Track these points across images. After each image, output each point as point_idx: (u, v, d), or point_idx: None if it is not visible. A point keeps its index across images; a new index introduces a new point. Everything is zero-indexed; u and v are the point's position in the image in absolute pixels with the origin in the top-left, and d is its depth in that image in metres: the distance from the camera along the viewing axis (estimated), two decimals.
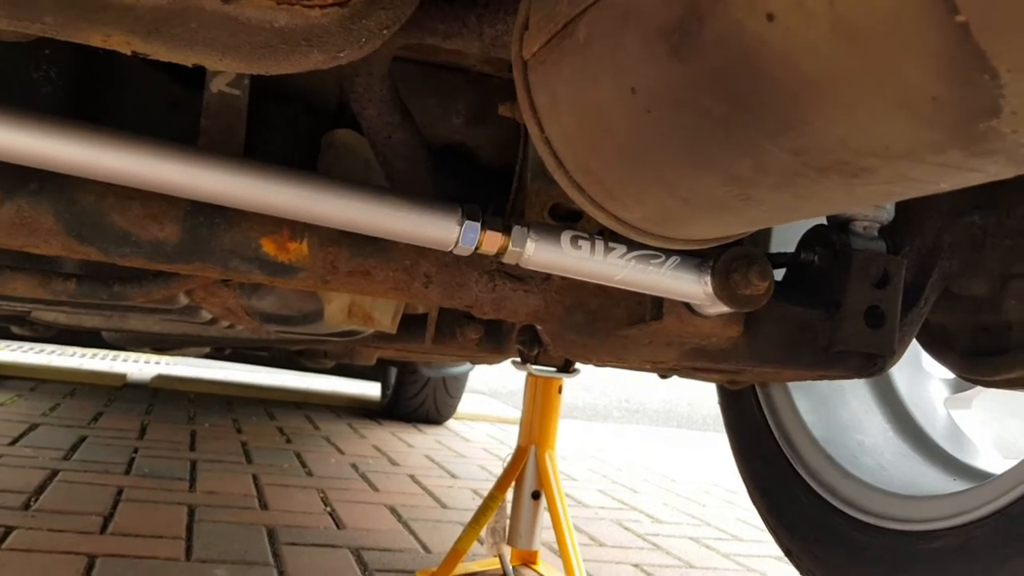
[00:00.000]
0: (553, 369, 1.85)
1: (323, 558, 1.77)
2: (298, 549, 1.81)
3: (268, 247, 0.86)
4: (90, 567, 1.52)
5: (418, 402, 4.03)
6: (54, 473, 2.18)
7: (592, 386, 7.51)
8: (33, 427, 2.79)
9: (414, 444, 3.47)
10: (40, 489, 2.01)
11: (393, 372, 4.15)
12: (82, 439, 2.69)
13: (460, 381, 4.07)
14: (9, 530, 1.67)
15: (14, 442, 2.52)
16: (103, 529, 1.76)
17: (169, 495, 2.11)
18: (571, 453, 3.57)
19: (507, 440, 3.89)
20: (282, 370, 4.71)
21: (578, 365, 1.86)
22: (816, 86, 0.40)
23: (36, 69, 0.94)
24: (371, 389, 4.72)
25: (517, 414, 4.65)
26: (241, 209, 0.83)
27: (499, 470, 3.04)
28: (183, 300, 1.07)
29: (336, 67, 0.98)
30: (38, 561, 1.52)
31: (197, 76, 0.91)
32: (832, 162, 0.44)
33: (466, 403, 4.39)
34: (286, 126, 1.07)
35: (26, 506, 1.86)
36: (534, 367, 1.83)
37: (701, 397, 8.34)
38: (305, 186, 0.72)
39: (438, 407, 4.08)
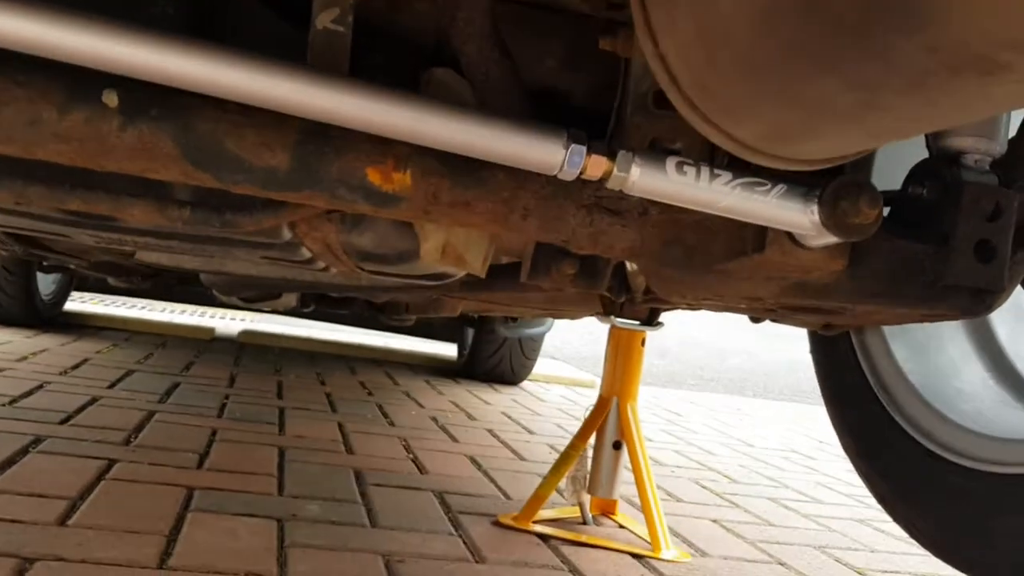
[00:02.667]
0: (636, 322, 1.85)
1: (408, 499, 1.82)
2: (384, 490, 1.86)
3: (373, 176, 0.88)
4: (189, 498, 1.59)
5: (494, 362, 4.08)
6: (151, 414, 2.29)
7: (666, 352, 7.47)
8: (129, 373, 2.92)
9: (491, 402, 3.52)
10: (139, 428, 2.11)
11: (470, 333, 4.20)
12: (176, 385, 2.80)
13: (536, 342, 4.10)
14: (112, 463, 1.76)
15: (112, 385, 2.64)
16: (199, 465, 1.84)
17: (260, 437, 2.20)
18: (646, 415, 3.57)
19: (581, 401, 3.91)
20: (362, 329, 4.81)
21: (662, 318, 1.86)
22: None
23: (153, 4, 0.97)
24: (447, 349, 4.79)
25: (591, 377, 4.68)
26: (349, 137, 0.85)
27: (574, 428, 3.07)
28: (286, 235, 1.10)
29: (437, 3, 0.99)
30: (140, 491, 1.60)
31: (305, 15, 0.94)
32: (968, 58, 0.44)
33: (540, 365, 4.42)
34: (386, 63, 1.08)
35: (127, 442, 1.95)
36: (618, 320, 1.83)
37: (777, 368, 8.22)
38: (416, 107, 0.74)
39: (514, 368, 4.12)
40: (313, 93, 0.72)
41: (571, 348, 7.34)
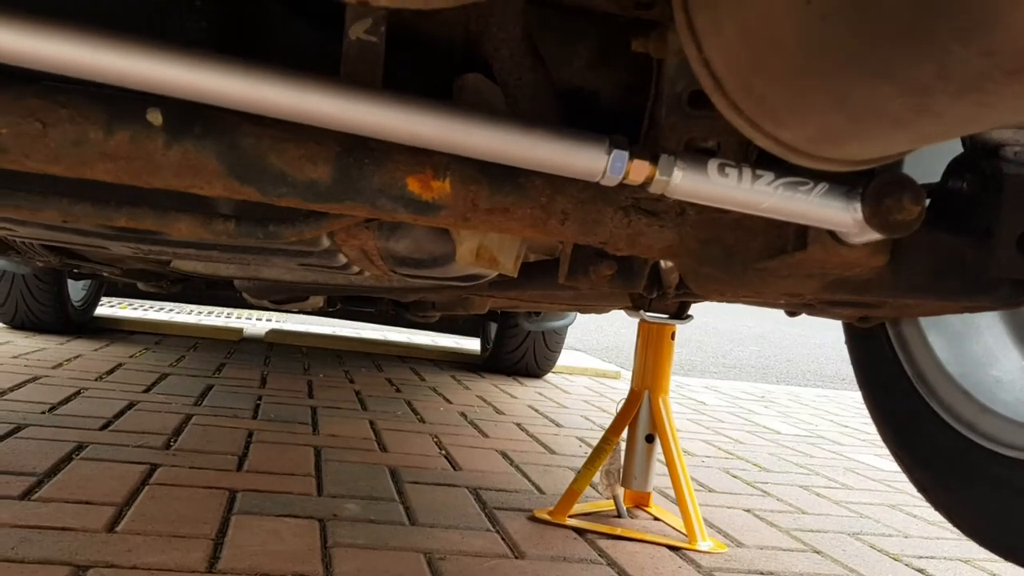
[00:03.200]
0: (666, 316, 1.86)
1: (444, 496, 1.83)
2: (420, 487, 1.88)
3: (413, 186, 0.89)
4: (232, 500, 1.62)
5: (518, 356, 4.09)
6: (188, 417, 2.32)
7: (688, 341, 7.46)
8: (163, 376, 2.95)
9: (517, 395, 3.53)
10: (177, 431, 2.14)
11: (493, 327, 4.22)
12: (209, 387, 2.83)
13: (559, 335, 4.11)
14: (155, 467, 1.78)
15: (148, 389, 2.67)
16: (239, 467, 1.87)
17: (295, 437, 2.22)
18: (673, 405, 3.57)
19: (606, 393, 3.92)
20: (386, 326, 4.84)
21: (691, 311, 1.86)
22: None
23: (188, 19, 0.98)
24: (471, 344, 4.81)
25: (616, 369, 4.68)
26: (389, 148, 0.86)
27: (602, 421, 3.08)
28: (325, 243, 1.12)
29: (466, 10, 1.00)
30: (184, 494, 1.62)
31: (337, 25, 0.95)
32: None
33: (564, 357, 4.43)
34: (419, 72, 1.09)
35: (167, 446, 1.98)
36: (647, 314, 1.84)
37: (798, 353, 8.19)
38: (458, 116, 0.74)
39: (538, 361, 4.13)
40: (354, 108, 0.73)
41: (593, 339, 7.35)
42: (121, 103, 0.82)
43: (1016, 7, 0.41)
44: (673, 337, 1.91)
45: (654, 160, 0.75)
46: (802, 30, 0.52)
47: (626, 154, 0.75)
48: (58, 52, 0.70)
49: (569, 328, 4.12)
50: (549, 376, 4.29)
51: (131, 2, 0.97)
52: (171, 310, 5.18)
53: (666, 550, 1.67)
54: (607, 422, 2.97)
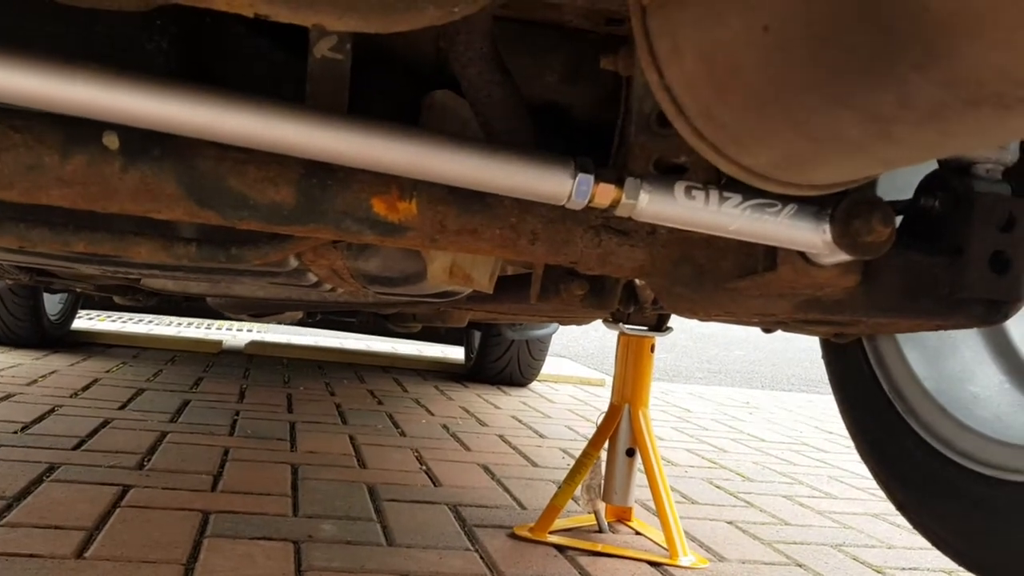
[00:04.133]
0: (645, 328, 1.85)
1: (423, 514, 1.81)
2: (399, 505, 1.86)
3: (379, 207, 0.87)
4: (205, 523, 1.59)
5: (502, 365, 4.07)
6: (163, 435, 2.29)
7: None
8: (140, 392, 2.92)
9: (500, 405, 3.51)
10: (152, 450, 2.11)
11: (477, 336, 4.20)
12: (186, 403, 2.80)
13: (543, 343, 4.10)
14: (127, 488, 1.75)
15: (123, 406, 2.64)
16: (213, 487, 1.84)
17: (272, 455, 2.19)
18: (656, 413, 3.56)
19: (590, 401, 3.91)
20: (368, 335, 4.81)
21: (671, 323, 1.85)
22: (973, 13, 0.39)
23: (149, 40, 0.96)
24: (454, 353, 4.78)
25: (599, 376, 4.67)
26: (353, 168, 0.84)
27: (586, 430, 3.07)
28: (292, 263, 1.10)
29: (435, 27, 0.98)
30: (156, 517, 1.60)
31: (299, 43, 0.93)
32: (987, 94, 0.43)
33: (548, 365, 4.42)
34: (386, 89, 1.08)
35: (140, 465, 1.95)
36: (626, 326, 1.83)
37: (784, 359, 8.21)
38: (420, 142, 0.73)
39: (522, 369, 4.12)
40: (315, 135, 0.71)
41: (579, 345, 7.34)
42: (77, 127, 0.80)
43: (974, 39, 0.40)
44: (653, 349, 1.90)
45: (620, 183, 0.74)
46: (761, 58, 0.50)
47: (591, 178, 0.74)
48: (11, 81, 0.68)
49: (553, 335, 4.11)
50: (533, 384, 4.27)
51: (92, 22, 0.95)
52: (150, 322, 5.13)
53: (647, 566, 1.65)
54: (591, 432, 2.95)
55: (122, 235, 0.93)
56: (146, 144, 0.82)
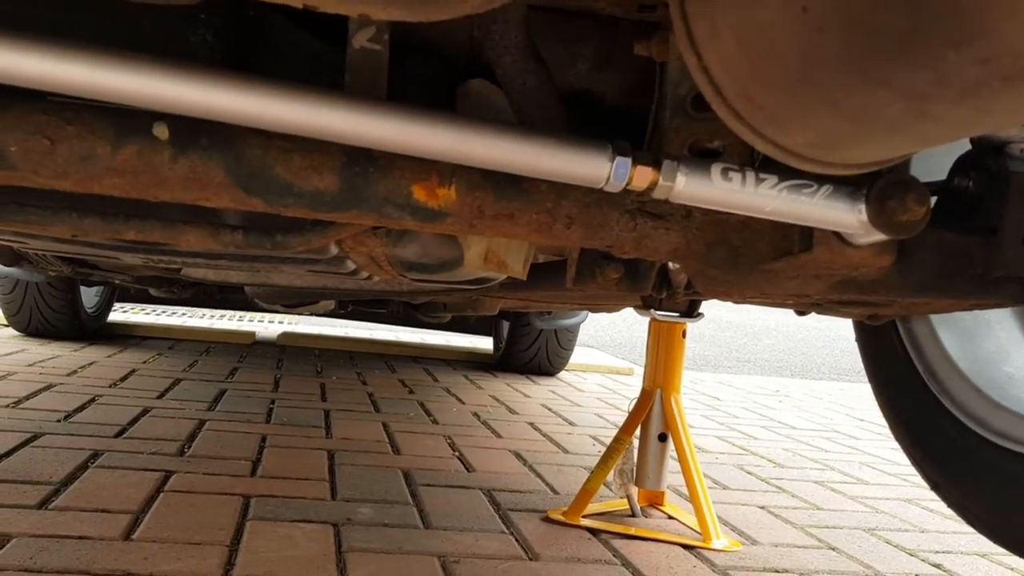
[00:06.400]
0: (677, 314, 1.86)
1: (458, 498, 1.84)
2: (433, 490, 1.88)
3: (419, 193, 0.89)
4: (246, 507, 1.63)
5: (531, 354, 4.10)
6: (202, 423, 2.33)
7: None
8: (177, 382, 2.97)
9: (530, 394, 3.54)
10: (191, 437, 2.15)
11: (505, 326, 4.22)
12: (223, 392, 2.85)
13: (572, 333, 4.11)
14: (169, 474, 1.80)
15: (161, 395, 2.69)
16: (253, 472, 1.88)
17: (308, 441, 2.23)
18: (686, 401, 3.57)
19: (619, 390, 3.92)
20: (398, 326, 4.85)
21: (702, 309, 1.86)
22: None
23: (194, 33, 0.99)
24: (483, 343, 4.81)
25: (628, 365, 4.68)
26: (394, 156, 0.87)
27: (615, 418, 3.08)
28: (333, 250, 1.12)
29: (470, 17, 1.00)
30: (199, 501, 1.64)
31: (338, 34, 0.95)
32: (1022, 68, 0.44)
33: (577, 355, 4.43)
34: (422, 78, 1.10)
35: (181, 452, 2.00)
36: (658, 312, 1.84)
37: (814, 348, 8.16)
38: (462, 127, 0.75)
39: (550, 359, 4.14)
40: (358, 123, 0.73)
41: (606, 335, 7.35)
42: (127, 118, 0.83)
43: (1011, 15, 0.41)
44: (684, 335, 1.91)
45: (657, 166, 0.75)
46: (799, 40, 0.52)
47: (629, 160, 0.75)
48: (66, 73, 0.71)
49: (581, 325, 4.13)
50: (562, 374, 4.29)
51: (138, 15, 0.97)
52: (183, 314, 5.21)
53: (680, 549, 1.67)
54: (620, 420, 2.96)
55: (171, 223, 0.96)
56: (194, 134, 0.84)
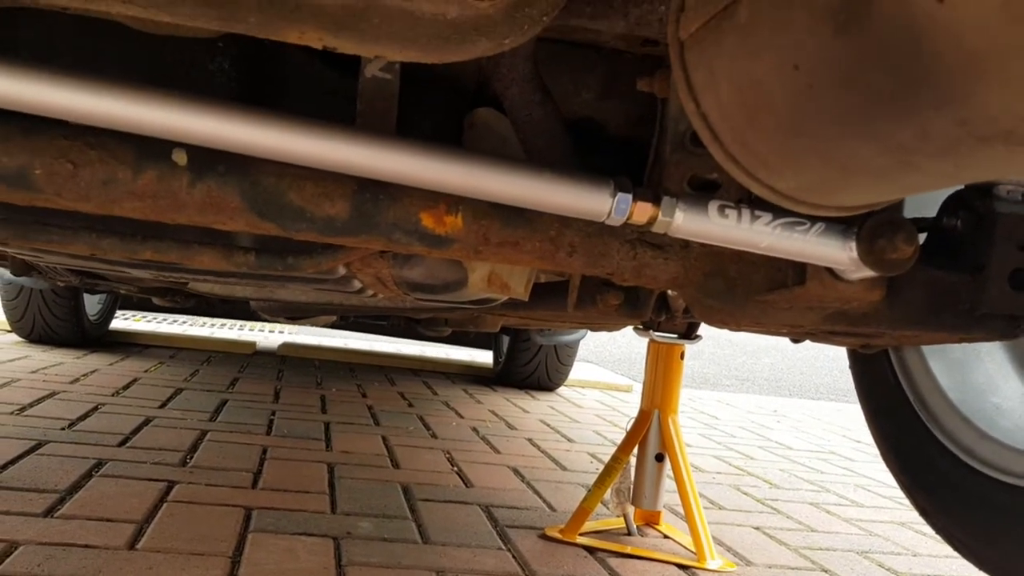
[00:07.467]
0: (675, 335, 1.89)
1: (456, 513, 1.86)
2: (432, 505, 1.91)
3: (427, 220, 0.93)
4: (248, 518, 1.65)
5: (530, 369, 4.12)
6: (203, 433, 2.36)
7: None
8: (178, 391, 3.00)
9: (529, 409, 3.56)
10: (193, 448, 2.18)
11: (505, 340, 4.25)
12: (224, 402, 2.88)
13: (572, 349, 4.14)
14: (172, 484, 1.82)
15: (163, 405, 2.72)
16: (254, 484, 1.91)
17: (309, 454, 2.26)
18: (684, 419, 3.59)
19: (618, 407, 3.94)
20: (398, 338, 4.88)
21: (700, 331, 1.89)
22: (984, 60, 0.43)
23: (211, 61, 1.03)
24: (483, 357, 4.84)
25: (627, 381, 4.70)
26: (404, 186, 0.90)
27: (613, 436, 3.10)
28: (341, 271, 1.16)
29: None
30: (201, 512, 1.66)
31: (350, 62, 0.98)
32: (997, 131, 0.47)
33: (576, 371, 4.46)
34: (431, 107, 1.13)
35: (183, 463, 2.02)
36: (656, 333, 1.87)
37: (813, 368, 8.17)
38: (470, 163, 0.78)
39: (550, 374, 4.16)
40: (369, 156, 0.77)
41: (606, 351, 7.37)
42: (148, 144, 0.86)
43: (986, 82, 0.44)
44: (682, 356, 1.94)
45: (656, 202, 0.79)
46: (791, 94, 0.55)
47: (630, 196, 0.78)
48: (90, 107, 0.74)
49: (581, 341, 4.15)
50: (561, 389, 4.31)
51: (159, 43, 1.01)
52: (184, 322, 5.24)
53: (675, 569, 1.69)
54: (619, 437, 2.99)
55: (186, 244, 0.99)
56: (212, 161, 0.88)
